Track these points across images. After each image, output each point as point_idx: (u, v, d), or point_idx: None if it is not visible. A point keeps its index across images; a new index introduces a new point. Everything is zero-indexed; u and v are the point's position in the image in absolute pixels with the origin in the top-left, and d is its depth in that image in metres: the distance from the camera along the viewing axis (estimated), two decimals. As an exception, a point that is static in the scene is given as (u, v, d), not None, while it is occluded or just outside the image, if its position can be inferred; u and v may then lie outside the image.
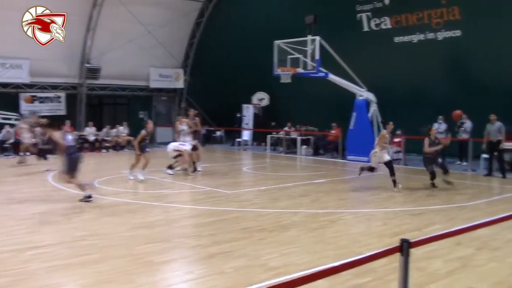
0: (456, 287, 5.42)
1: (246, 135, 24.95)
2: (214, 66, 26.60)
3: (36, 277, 5.67)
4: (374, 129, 18.33)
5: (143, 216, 8.93)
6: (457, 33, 18.09)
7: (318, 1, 21.58)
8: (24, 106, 22.69)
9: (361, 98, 18.35)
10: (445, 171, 12.26)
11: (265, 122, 24.64)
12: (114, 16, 23.40)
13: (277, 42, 18.57)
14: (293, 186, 12.78)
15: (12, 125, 20.78)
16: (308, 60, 17.64)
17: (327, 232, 7.86)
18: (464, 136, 16.37)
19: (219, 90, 26.39)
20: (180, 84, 28.21)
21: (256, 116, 25.40)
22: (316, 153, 20.90)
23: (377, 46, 20.07)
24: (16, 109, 22.38)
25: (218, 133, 27.25)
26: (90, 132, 22.50)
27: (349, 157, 18.45)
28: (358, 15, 20.97)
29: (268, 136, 22.67)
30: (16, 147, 19.42)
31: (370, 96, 18.39)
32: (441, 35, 18.59)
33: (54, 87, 24.03)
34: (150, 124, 13.86)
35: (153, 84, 27.13)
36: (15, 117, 21.76)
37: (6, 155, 19.68)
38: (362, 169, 12.61)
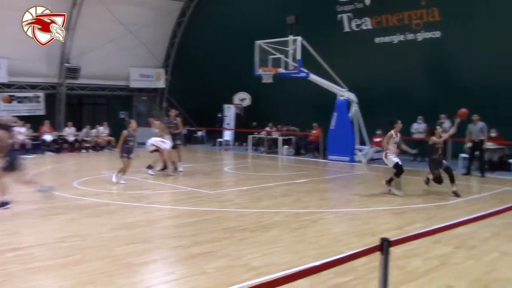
0: (435, 285, 5.48)
1: (228, 135, 24.93)
2: (196, 66, 26.54)
3: (15, 279, 5.59)
4: (355, 129, 18.46)
5: (124, 217, 8.86)
6: (437, 34, 18.32)
7: (299, 1, 21.68)
8: (2, 106, 22.35)
9: (342, 98, 18.46)
10: (452, 180, 11.10)
11: (246, 122, 24.65)
12: (94, 16, 23.20)
13: (258, 42, 18.59)
14: (274, 186, 12.81)
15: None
16: (290, 60, 17.70)
17: (308, 232, 7.89)
18: (443, 136, 16.53)
19: (200, 90, 26.34)
20: (161, 84, 28.09)
21: (237, 116, 25.39)
22: (297, 153, 20.97)
23: (358, 46, 20.23)
24: (-6, 109, 22.06)
25: (199, 133, 27.18)
26: (69, 132, 22.25)
27: (330, 157, 18.56)
28: (339, 15, 21.10)
29: (250, 136, 22.68)
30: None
31: (351, 96, 18.51)
32: (421, 36, 18.81)
33: (33, 86, 23.74)
34: (133, 124, 13.14)
35: (134, 84, 26.97)
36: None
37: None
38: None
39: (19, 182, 9.83)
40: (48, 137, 21.35)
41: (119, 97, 27.43)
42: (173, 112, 15.74)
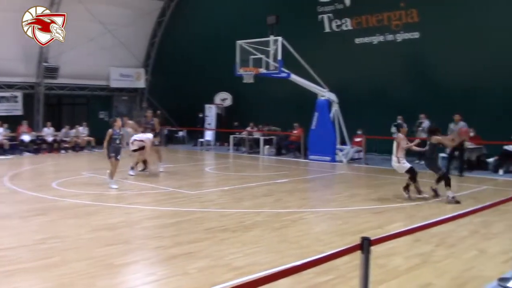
0: (415, 283, 5.54)
1: (209, 135, 24.85)
2: (176, 65, 26.41)
3: (-8, 282, 5.50)
4: (336, 129, 18.56)
5: (104, 218, 8.78)
6: (416, 35, 18.52)
7: (280, 1, 21.72)
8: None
9: (322, 98, 18.55)
10: (440, 180, 10.80)
11: (227, 122, 24.62)
12: (72, 15, 22.74)
13: (239, 42, 18.57)
14: (256, 186, 12.81)
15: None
16: (271, 61, 17.72)
17: (290, 232, 7.91)
18: (422, 135, 16.75)
19: (181, 90, 26.23)
20: (141, 83, 27.89)
21: (218, 116, 25.33)
22: (278, 153, 21.00)
23: (338, 47, 20.34)
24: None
25: (180, 133, 27.05)
26: (48, 132, 21.95)
27: (311, 157, 18.64)
28: (320, 16, 21.20)
29: (231, 136, 22.65)
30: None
31: (332, 97, 18.61)
32: (400, 37, 19.00)
33: (10, 86, 23.34)
34: (118, 122, 12.46)
35: (114, 84, 26.72)
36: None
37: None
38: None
39: None
40: (26, 138, 21.04)
41: (99, 97, 27.16)
42: (149, 113, 15.75)
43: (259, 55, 18.01)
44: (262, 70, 17.98)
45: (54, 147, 21.53)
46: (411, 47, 18.64)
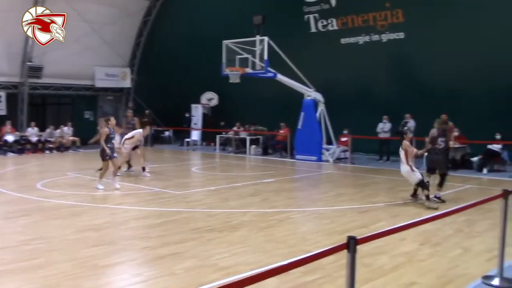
0: (401, 282, 5.59)
1: (195, 135, 24.80)
2: (162, 65, 26.30)
3: (-25, 284, 5.44)
4: (322, 128, 18.62)
5: (89, 219, 8.72)
6: (401, 35, 18.66)
7: (266, 1, 21.72)
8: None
9: (309, 98, 18.60)
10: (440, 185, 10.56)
11: (214, 122, 24.58)
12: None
13: (225, 42, 18.55)
14: (242, 186, 12.81)
15: None
16: (257, 60, 17.72)
17: (276, 231, 7.92)
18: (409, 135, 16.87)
19: (167, 89, 26.13)
20: (127, 83, 27.71)
21: (205, 116, 25.29)
22: (265, 152, 21.02)
23: (324, 47, 20.40)
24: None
25: (167, 133, 26.94)
26: (32, 132, 21.71)
27: (298, 157, 18.68)
28: (306, 16, 21.25)
29: (217, 136, 22.63)
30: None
31: (318, 96, 18.67)
32: (385, 37, 19.12)
33: (-7, 85, 23.09)
34: (113, 121, 12.28)
35: (99, 84, 26.51)
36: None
37: None
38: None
39: None
40: (10, 138, 20.80)
41: (84, 97, 26.93)
42: (130, 113, 15.74)
43: (246, 55, 18.02)
44: (249, 70, 17.98)
45: (38, 147, 21.31)
46: (396, 47, 18.77)
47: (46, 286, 5.38)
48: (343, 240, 3.72)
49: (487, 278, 5.63)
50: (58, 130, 22.27)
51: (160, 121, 26.49)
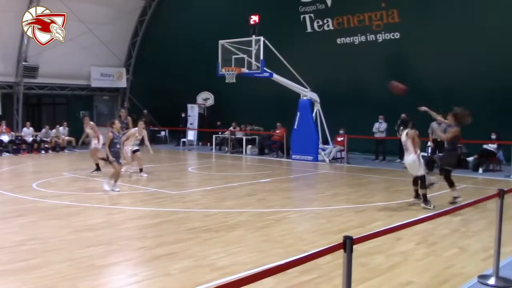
0: (397, 281, 5.60)
1: (191, 135, 24.77)
2: (158, 65, 26.26)
3: (-29, 285, 5.42)
4: (318, 128, 18.64)
5: (86, 219, 8.70)
6: (396, 35, 18.69)
7: (262, 1, 21.72)
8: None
9: (305, 98, 18.61)
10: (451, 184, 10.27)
11: (210, 122, 24.57)
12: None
13: (221, 41, 18.53)
14: (238, 185, 12.81)
15: None
16: (253, 60, 17.71)
17: (273, 231, 7.92)
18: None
19: (163, 89, 26.11)
20: (122, 83, 27.66)
21: (201, 116, 25.27)
22: (261, 152, 21.02)
23: (320, 47, 20.39)
24: None
25: (162, 133, 26.94)
26: (27, 132, 21.66)
27: (294, 156, 18.69)
28: (302, 16, 21.25)
29: (214, 136, 22.61)
30: None
31: (314, 96, 18.68)
32: (381, 37, 19.15)
33: (-12, 86, 23.02)
34: (117, 124, 12.04)
35: (95, 83, 26.45)
36: None
37: None
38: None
39: None
40: (5, 138, 20.73)
41: (80, 97, 26.88)
42: (123, 112, 15.78)
43: (242, 55, 17.99)
44: (245, 70, 17.97)
45: (33, 147, 21.25)
46: (392, 47, 18.80)
47: (42, 286, 5.37)
48: (339, 239, 3.72)
49: (483, 277, 5.64)
50: (54, 130, 22.22)
51: (156, 121, 26.45)
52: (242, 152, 21.25)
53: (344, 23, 20.10)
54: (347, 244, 3.66)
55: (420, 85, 17.84)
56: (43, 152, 21.24)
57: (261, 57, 17.49)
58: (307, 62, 19.41)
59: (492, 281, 5.53)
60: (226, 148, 22.26)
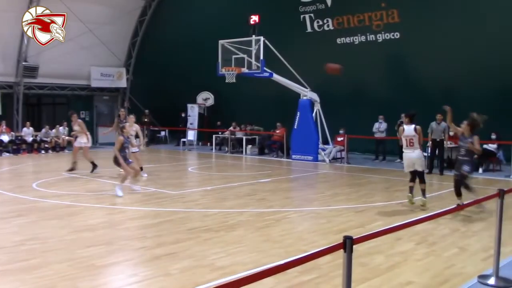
0: (397, 281, 5.59)
1: (191, 135, 24.77)
2: (158, 65, 26.26)
3: (-29, 285, 5.42)
4: (318, 128, 18.64)
5: (85, 219, 8.70)
6: (396, 35, 18.69)
7: (262, 1, 21.71)
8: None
9: (305, 98, 18.61)
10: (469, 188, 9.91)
11: (210, 122, 24.57)
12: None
13: (221, 41, 18.53)
14: (238, 185, 12.80)
15: None
16: (253, 60, 17.71)
17: (273, 231, 7.92)
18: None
19: (163, 89, 26.10)
20: (122, 83, 27.65)
21: (201, 115, 25.27)
22: (261, 152, 21.03)
23: (320, 46, 20.38)
24: None
25: (163, 133, 26.94)
26: (27, 132, 21.66)
27: (294, 156, 18.70)
28: (302, 16, 21.25)
29: (214, 136, 22.62)
30: None
31: (314, 96, 18.68)
32: (381, 37, 19.15)
33: (-12, 85, 23.01)
34: (127, 128, 11.98)
35: (95, 83, 26.44)
36: None
37: None
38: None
39: None
40: (5, 138, 20.73)
41: (80, 97, 26.87)
42: (122, 112, 15.75)
43: (241, 55, 17.99)
44: (245, 70, 17.97)
45: (33, 147, 21.25)
46: (392, 47, 18.80)
47: (42, 286, 5.36)
48: (339, 239, 3.72)
49: (483, 277, 5.64)
50: (54, 130, 22.22)
51: (156, 121, 26.45)
52: (242, 152, 21.25)
53: (344, 23, 20.10)
54: (347, 244, 3.66)
55: (420, 85, 17.90)
56: (43, 152, 21.24)
57: (261, 57, 17.48)
58: (307, 62, 19.39)
59: (492, 281, 5.54)
60: (226, 148, 22.27)
